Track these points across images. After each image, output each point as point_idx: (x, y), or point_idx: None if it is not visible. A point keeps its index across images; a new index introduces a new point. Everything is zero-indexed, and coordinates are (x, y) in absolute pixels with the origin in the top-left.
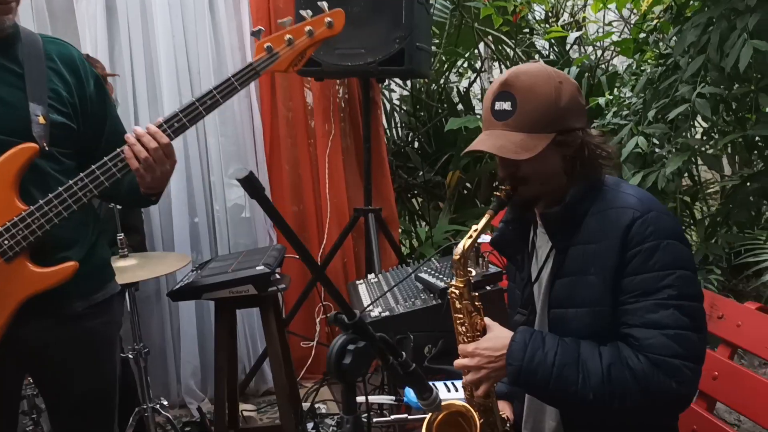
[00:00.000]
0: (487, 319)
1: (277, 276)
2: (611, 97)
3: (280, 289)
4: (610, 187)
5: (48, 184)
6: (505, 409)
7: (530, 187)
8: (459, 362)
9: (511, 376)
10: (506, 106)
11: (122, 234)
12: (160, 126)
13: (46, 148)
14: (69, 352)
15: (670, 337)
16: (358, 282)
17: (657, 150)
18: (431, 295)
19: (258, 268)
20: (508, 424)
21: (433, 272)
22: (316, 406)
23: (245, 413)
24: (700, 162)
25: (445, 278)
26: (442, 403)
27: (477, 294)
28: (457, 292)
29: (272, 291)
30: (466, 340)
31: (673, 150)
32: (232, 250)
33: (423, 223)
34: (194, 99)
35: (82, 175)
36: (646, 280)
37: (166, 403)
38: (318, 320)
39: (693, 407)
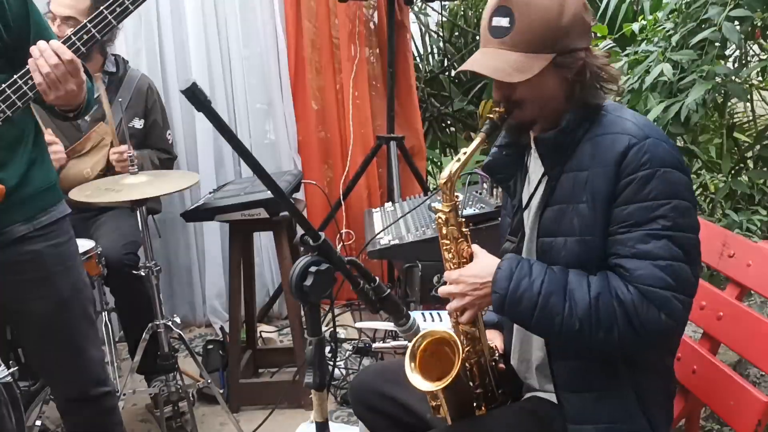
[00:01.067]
0: (474, 246)
1: (291, 200)
2: (645, 23)
3: None
4: (609, 112)
5: None
6: (495, 338)
7: (526, 110)
8: (443, 289)
9: (495, 304)
10: (504, 22)
11: (133, 152)
12: (66, 41)
13: None
14: (16, 275)
15: (662, 269)
16: (374, 210)
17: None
18: None
19: (269, 192)
20: (496, 354)
21: None
22: (336, 330)
23: (265, 335)
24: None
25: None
26: (426, 330)
27: (464, 220)
28: (443, 217)
29: (285, 216)
30: (452, 267)
31: (698, 78)
32: None
33: (454, 154)
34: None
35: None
36: (639, 210)
37: (178, 320)
38: (338, 248)
39: (695, 347)
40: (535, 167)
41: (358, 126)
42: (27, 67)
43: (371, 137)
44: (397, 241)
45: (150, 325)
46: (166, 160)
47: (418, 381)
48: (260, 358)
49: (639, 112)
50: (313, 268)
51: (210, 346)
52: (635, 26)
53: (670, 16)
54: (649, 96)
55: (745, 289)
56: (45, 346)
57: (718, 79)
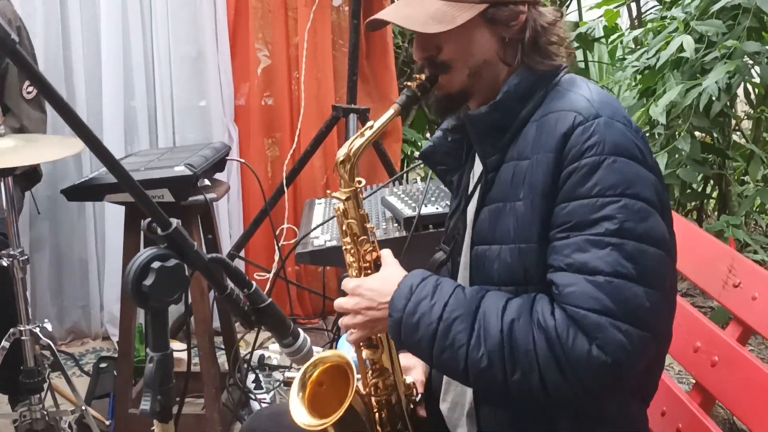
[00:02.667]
0: (385, 252)
1: (206, 182)
2: None
3: (210, 200)
4: (563, 86)
5: None
6: (417, 372)
7: (454, 76)
8: (339, 302)
9: (390, 330)
10: None
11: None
12: None
13: None
14: None
15: (598, 286)
16: (317, 201)
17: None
18: (396, 224)
19: (177, 168)
20: (415, 393)
21: (405, 196)
22: (265, 355)
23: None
24: None
25: (415, 204)
26: (319, 356)
27: (366, 213)
28: (340, 206)
29: (195, 201)
30: (354, 273)
31: (720, 56)
32: (178, 145)
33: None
34: None
35: None
36: (580, 208)
37: (49, 327)
38: (278, 247)
39: (684, 400)
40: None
41: (313, 92)
42: None
43: (329, 107)
44: (334, 243)
45: (11, 331)
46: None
47: (300, 415)
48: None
49: (656, 96)
50: (156, 264)
51: (103, 365)
52: None
53: None
54: (671, 76)
55: (749, 330)
56: None
57: (746, 59)
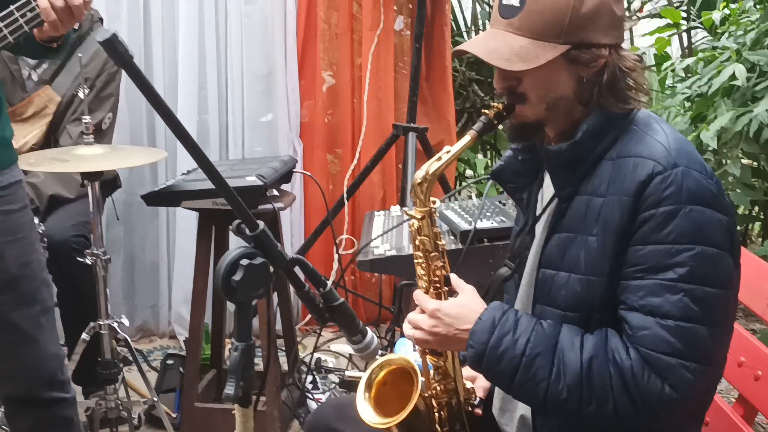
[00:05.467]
0: (456, 280)
1: (275, 192)
2: (729, 11)
3: (277, 209)
4: (639, 127)
5: None
6: (477, 379)
7: (530, 108)
8: (413, 318)
9: (471, 360)
10: (515, 0)
11: (88, 117)
12: None
13: None
14: None
15: (670, 330)
16: (377, 213)
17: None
18: (452, 237)
19: (249, 178)
20: (474, 397)
21: (461, 210)
22: (322, 358)
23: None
24: None
25: (471, 219)
26: (385, 358)
27: (439, 231)
28: (415, 224)
29: (264, 209)
30: (423, 285)
31: None
32: (247, 157)
33: (492, 153)
34: None
35: None
36: (654, 254)
37: (126, 322)
38: (338, 256)
39: (727, 412)
40: (550, 183)
41: (374, 111)
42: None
43: (390, 125)
44: (394, 252)
45: (91, 324)
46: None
47: (367, 413)
48: (226, 381)
49: (707, 121)
50: (244, 261)
51: (169, 362)
52: (716, 15)
53: (758, 5)
54: (722, 103)
55: (755, 412)
56: None
57: None
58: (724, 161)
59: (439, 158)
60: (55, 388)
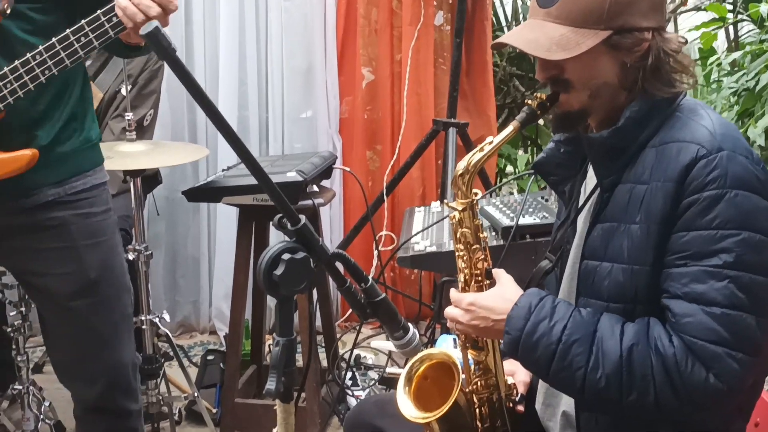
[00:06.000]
0: (498, 271)
1: (315, 188)
2: None
3: (317, 205)
4: (684, 113)
5: (14, 50)
6: (518, 374)
7: (574, 97)
8: (450, 312)
9: (506, 347)
10: None
11: (130, 114)
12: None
13: (8, 10)
14: (38, 243)
15: (715, 318)
16: (417, 209)
17: None
18: (494, 233)
19: (289, 174)
20: (515, 393)
21: (503, 206)
22: (362, 355)
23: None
24: None
25: (513, 215)
26: (425, 352)
27: (480, 223)
28: (456, 216)
29: (304, 205)
30: (465, 277)
31: None
32: (287, 153)
33: (533, 149)
34: None
35: (68, 31)
36: (698, 239)
37: (167, 317)
38: (377, 252)
39: None
40: (593, 175)
41: (414, 106)
42: (111, 4)
43: (430, 121)
44: (434, 249)
45: (133, 320)
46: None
47: (407, 408)
48: (266, 377)
49: (754, 117)
50: (286, 256)
51: (210, 357)
52: (764, 8)
53: None
54: None
55: None
56: (66, 335)
57: None
58: None
59: (482, 149)
60: (129, 396)
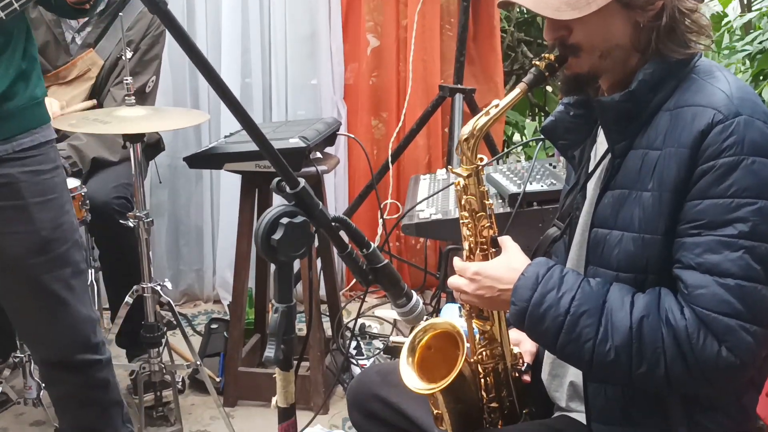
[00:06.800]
0: (505, 239)
1: (318, 155)
2: None
3: (321, 172)
4: (699, 76)
5: None
6: (524, 344)
7: (583, 59)
8: (454, 282)
9: (513, 318)
10: None
11: (129, 79)
12: None
13: None
14: None
15: (729, 289)
16: (422, 177)
17: None
18: (500, 200)
19: (291, 140)
20: (521, 362)
21: (510, 173)
22: (366, 324)
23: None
24: None
25: (520, 182)
26: (429, 322)
27: (486, 189)
28: (461, 183)
29: (308, 172)
30: (470, 245)
31: None
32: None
33: (541, 116)
34: None
35: None
36: (713, 208)
37: (169, 285)
38: (382, 220)
39: None
40: (604, 139)
41: (420, 73)
42: None
43: (435, 87)
44: (439, 216)
45: (135, 288)
46: None
47: (411, 379)
48: None
49: None
50: (285, 220)
51: (214, 326)
52: None
53: None
54: None
55: None
56: (19, 296)
57: None
58: None
59: (487, 113)
60: (90, 350)
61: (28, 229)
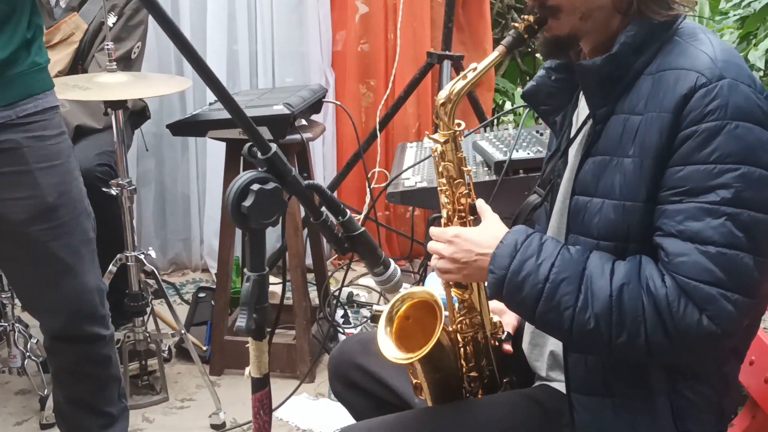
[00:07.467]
0: (482, 204)
1: (304, 122)
2: None
3: (306, 139)
4: (683, 38)
5: None
6: (505, 313)
7: (562, 21)
8: (433, 245)
9: (491, 287)
10: None
11: (111, 44)
12: None
13: None
14: None
15: (711, 257)
16: (409, 144)
17: None
18: (487, 168)
19: (276, 107)
20: (501, 332)
21: (497, 141)
22: (354, 292)
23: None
24: None
25: (506, 149)
26: (407, 291)
27: (464, 156)
28: (438, 148)
29: (293, 140)
30: (448, 213)
31: None
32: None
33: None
34: None
35: None
36: (695, 174)
37: (153, 254)
38: (369, 189)
39: None
40: (585, 103)
41: (409, 39)
42: None
43: (424, 54)
44: (425, 184)
45: (118, 256)
46: None
47: (389, 349)
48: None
49: (756, 40)
50: (255, 186)
51: (201, 295)
52: None
53: None
54: None
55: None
56: (24, 263)
57: None
58: None
59: (465, 77)
60: (96, 323)
61: (33, 194)
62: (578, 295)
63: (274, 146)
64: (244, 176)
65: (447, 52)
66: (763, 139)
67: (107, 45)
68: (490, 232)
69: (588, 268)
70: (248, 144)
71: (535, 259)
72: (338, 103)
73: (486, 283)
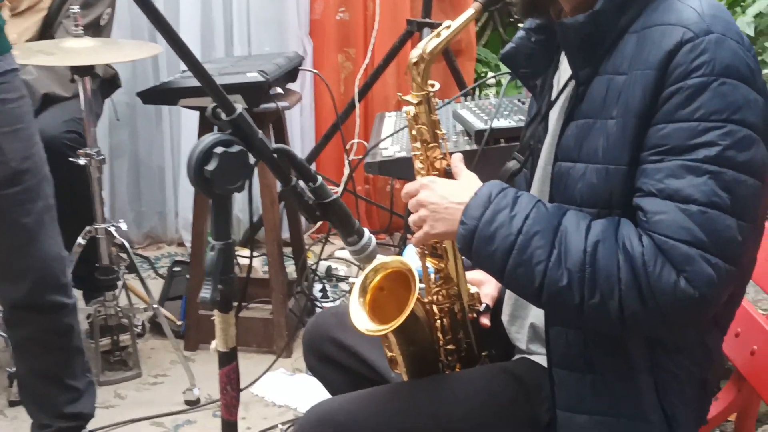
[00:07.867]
0: (457, 162)
1: (279, 91)
2: None
3: (282, 108)
4: None
5: None
6: (487, 285)
7: None
8: (408, 187)
9: (461, 239)
10: None
11: (77, 8)
12: None
13: None
14: None
15: (691, 216)
16: (387, 114)
17: None
18: (467, 137)
19: (249, 74)
20: (479, 304)
21: (477, 110)
22: (332, 266)
23: (243, 261)
24: None
25: (487, 118)
26: (380, 261)
27: (438, 118)
28: (411, 111)
29: (267, 108)
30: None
31: None
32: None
33: None
34: None
35: None
36: (678, 132)
37: (124, 227)
38: (347, 160)
39: (760, 321)
40: (567, 65)
41: (388, 6)
42: None
43: (404, 22)
44: (404, 154)
45: (87, 228)
46: None
47: (361, 321)
48: None
49: (744, 5)
50: (219, 149)
51: (176, 269)
52: None
53: None
54: None
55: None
56: None
57: None
58: (760, 51)
59: (438, 35)
60: (58, 291)
61: None
62: (551, 250)
63: (239, 107)
64: (206, 139)
65: (427, 20)
66: (749, 98)
67: (72, 9)
68: (465, 185)
69: (563, 223)
70: (212, 105)
71: (508, 211)
72: (315, 71)
73: (456, 236)
